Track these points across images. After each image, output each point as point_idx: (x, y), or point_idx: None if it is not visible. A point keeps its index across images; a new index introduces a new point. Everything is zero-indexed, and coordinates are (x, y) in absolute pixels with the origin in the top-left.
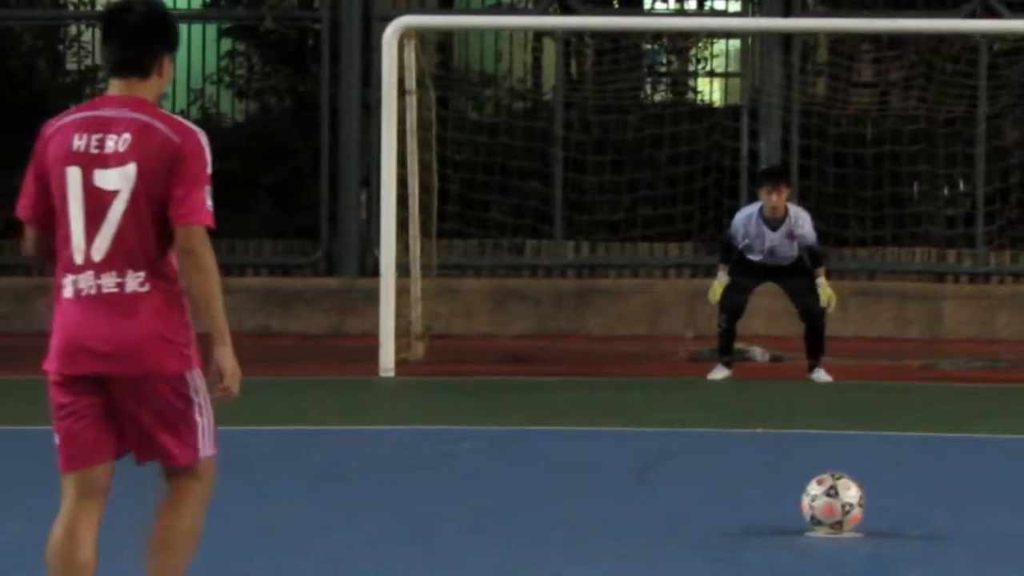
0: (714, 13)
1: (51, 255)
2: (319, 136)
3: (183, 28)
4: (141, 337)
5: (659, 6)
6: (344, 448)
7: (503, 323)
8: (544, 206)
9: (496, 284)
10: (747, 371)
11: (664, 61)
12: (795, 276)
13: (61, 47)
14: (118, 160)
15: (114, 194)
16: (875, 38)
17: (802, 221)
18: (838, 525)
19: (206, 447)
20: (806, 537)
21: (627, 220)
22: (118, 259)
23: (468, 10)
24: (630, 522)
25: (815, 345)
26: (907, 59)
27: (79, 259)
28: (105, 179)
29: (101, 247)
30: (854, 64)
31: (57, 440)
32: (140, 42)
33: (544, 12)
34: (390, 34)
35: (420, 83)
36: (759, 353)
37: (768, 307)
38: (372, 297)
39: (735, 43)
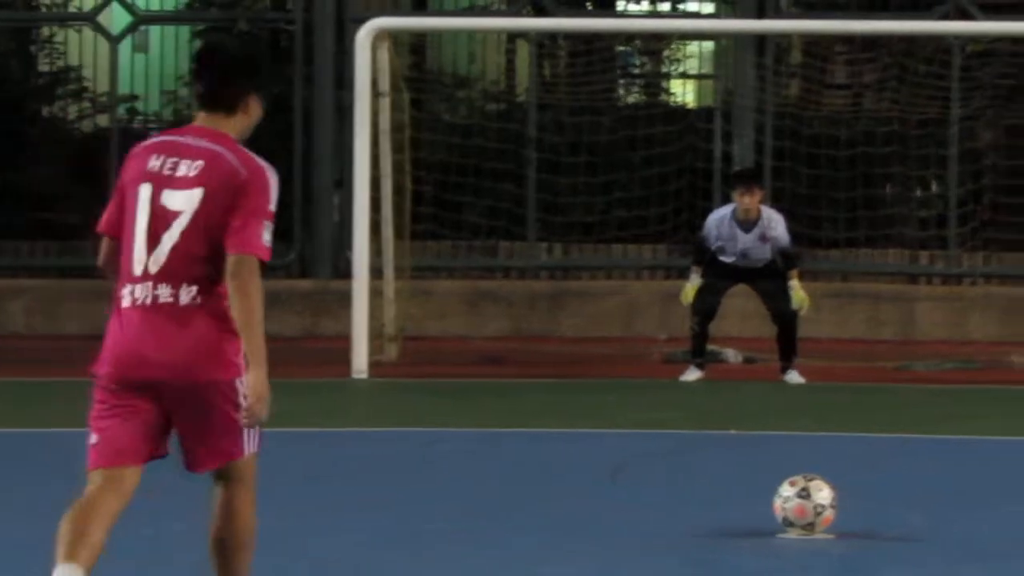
0: (687, 15)
1: (118, 268)
2: (292, 138)
3: (155, 30)
4: (192, 346)
5: (632, 8)
6: (318, 450)
7: (477, 325)
8: (518, 208)
9: (470, 286)
10: (720, 373)
11: (637, 63)
12: (767, 278)
13: (33, 48)
14: (187, 184)
15: (177, 214)
16: (849, 40)
17: (775, 223)
18: (810, 527)
19: (251, 445)
20: (778, 539)
21: (601, 222)
22: (174, 273)
23: (441, 12)
24: (603, 523)
25: (787, 347)
26: (880, 61)
27: (138, 271)
28: (172, 199)
29: (159, 260)
30: (827, 66)
31: (93, 438)
32: (228, 81)
33: (517, 14)
34: (363, 36)
35: (393, 85)
36: (732, 355)
37: (741, 308)
38: (345, 299)
39: (708, 45)
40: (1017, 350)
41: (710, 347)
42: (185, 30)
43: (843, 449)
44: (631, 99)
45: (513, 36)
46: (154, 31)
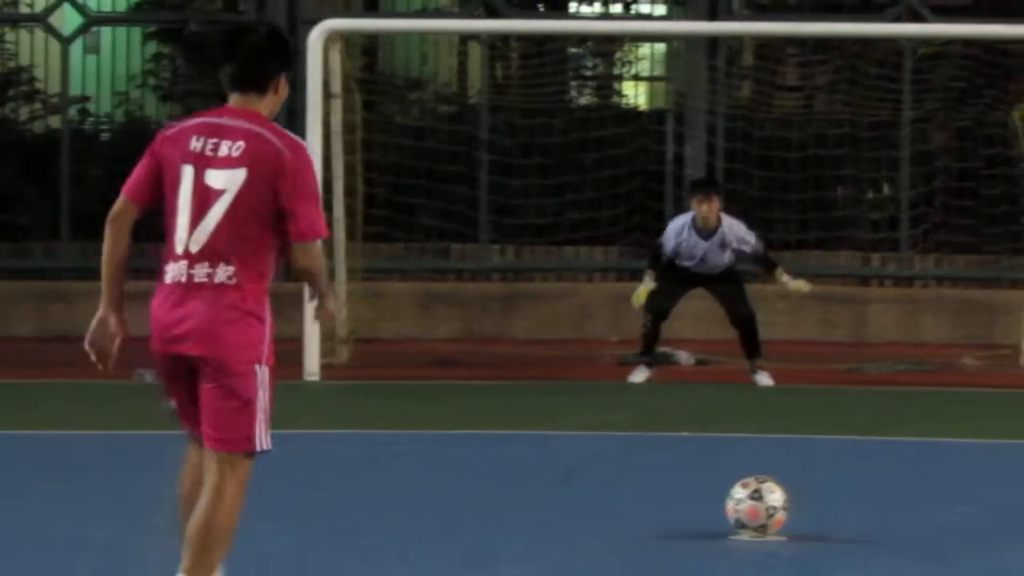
0: (639, 17)
1: (122, 232)
2: None
3: (107, 31)
4: (221, 324)
5: (584, 10)
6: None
7: (429, 327)
8: (470, 210)
9: (422, 288)
10: (673, 374)
11: (590, 65)
12: (724, 282)
13: None
14: (229, 163)
15: (220, 193)
16: (800, 42)
17: (737, 231)
18: (762, 528)
19: (262, 440)
20: (730, 540)
21: (553, 224)
22: (212, 252)
23: (394, 14)
24: (555, 526)
25: (751, 348)
26: (832, 63)
27: (179, 249)
28: (215, 178)
29: (199, 239)
30: (779, 68)
31: (174, 403)
32: (259, 62)
33: (469, 16)
34: (315, 37)
35: (345, 87)
36: (685, 357)
37: (694, 311)
38: (297, 301)
39: (661, 47)
40: (969, 352)
41: (663, 349)
42: (136, 31)
43: (795, 451)
44: (583, 101)
45: (465, 38)
46: (105, 32)
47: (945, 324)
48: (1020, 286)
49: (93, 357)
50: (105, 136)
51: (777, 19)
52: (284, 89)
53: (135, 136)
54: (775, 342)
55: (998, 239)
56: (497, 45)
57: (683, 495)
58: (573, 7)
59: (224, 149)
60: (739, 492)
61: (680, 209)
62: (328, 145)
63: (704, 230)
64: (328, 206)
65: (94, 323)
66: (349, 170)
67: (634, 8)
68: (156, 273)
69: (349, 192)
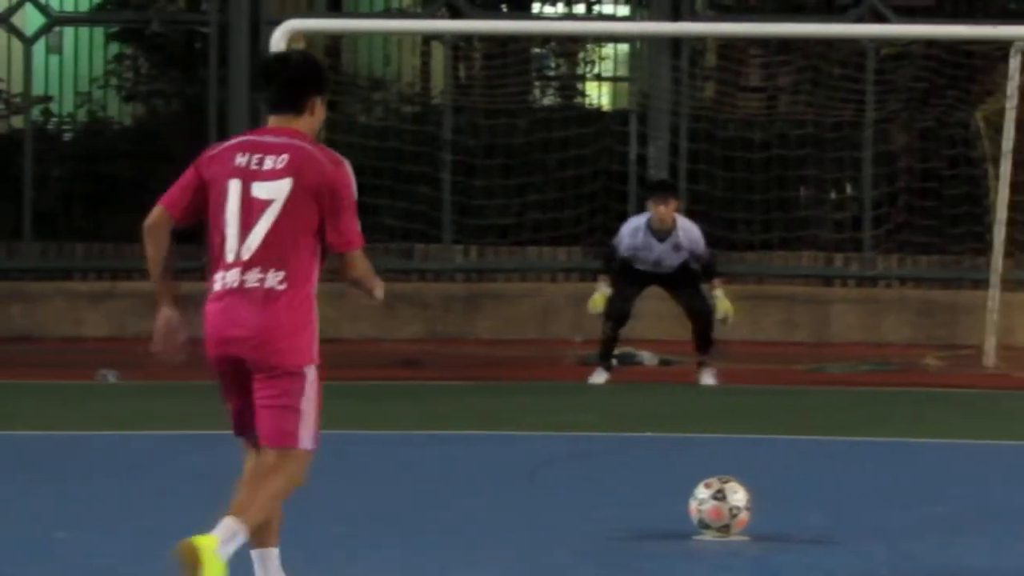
0: (603, 17)
1: (161, 240)
2: (207, 139)
3: (69, 31)
4: (271, 327)
5: (548, 10)
6: (228, 452)
7: (392, 327)
8: (433, 210)
9: (385, 288)
10: (636, 375)
11: (553, 65)
12: (679, 279)
13: None
14: (275, 175)
15: (267, 203)
16: (764, 43)
17: (690, 233)
18: (725, 529)
19: (305, 440)
20: (694, 541)
21: (516, 224)
22: (262, 259)
23: (357, 14)
24: (518, 526)
25: (703, 343)
26: (795, 63)
27: (230, 258)
28: (261, 190)
29: (250, 248)
30: (743, 68)
31: (228, 407)
32: (294, 85)
33: (433, 16)
34: (278, 37)
35: None
36: (648, 357)
37: (657, 311)
38: None
39: (624, 47)
40: (931, 352)
41: (626, 349)
42: (99, 31)
43: (758, 451)
44: (546, 101)
45: (428, 38)
46: (68, 32)
47: (908, 324)
48: (982, 286)
49: (163, 357)
50: (68, 136)
51: (740, 20)
52: (320, 111)
53: (97, 136)
54: (736, 342)
55: (960, 239)
56: (460, 45)
57: (646, 495)
58: (536, 7)
59: (269, 163)
60: (702, 492)
61: (644, 210)
62: None
63: (660, 232)
64: None
65: (158, 323)
66: None
67: (597, 8)
68: (116, 275)
69: None
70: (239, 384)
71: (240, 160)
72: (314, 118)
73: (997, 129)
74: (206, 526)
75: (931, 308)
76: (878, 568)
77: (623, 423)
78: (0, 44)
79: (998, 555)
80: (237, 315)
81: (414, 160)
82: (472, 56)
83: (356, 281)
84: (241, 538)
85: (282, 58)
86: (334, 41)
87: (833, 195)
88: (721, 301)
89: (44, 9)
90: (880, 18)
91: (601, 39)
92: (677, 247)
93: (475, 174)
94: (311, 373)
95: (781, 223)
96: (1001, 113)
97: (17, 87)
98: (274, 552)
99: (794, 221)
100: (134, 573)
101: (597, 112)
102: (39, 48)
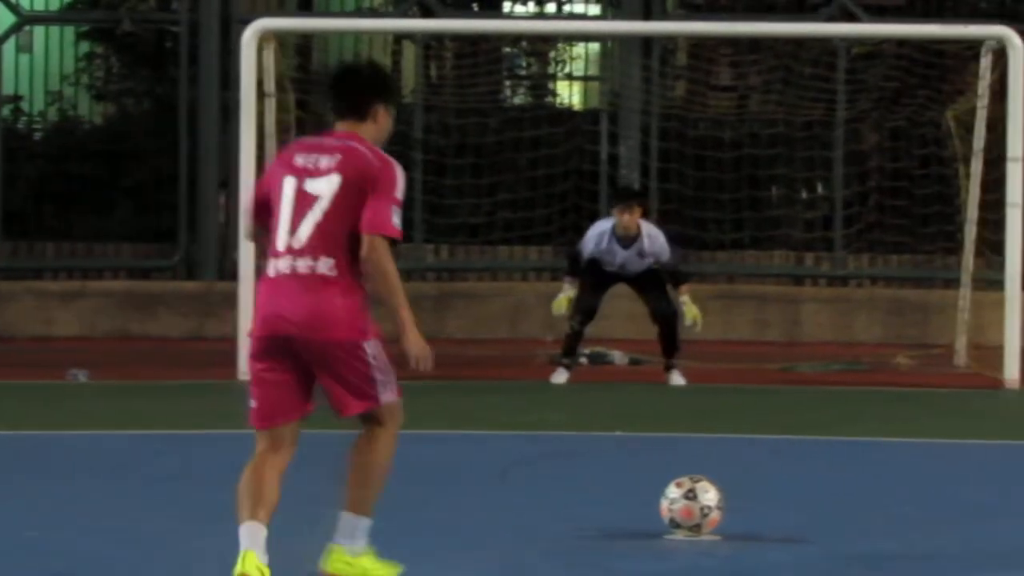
0: (573, 16)
1: (260, 239)
2: (177, 139)
3: (40, 31)
4: (324, 310)
5: (519, 9)
6: (201, 452)
7: None
8: (403, 209)
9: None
10: (607, 374)
11: (524, 64)
12: (646, 280)
13: None
14: (326, 171)
15: (317, 197)
16: (734, 42)
17: (656, 240)
18: (697, 528)
19: (387, 395)
20: (665, 540)
21: (487, 223)
22: (314, 247)
23: (327, 13)
24: (487, 525)
25: (669, 345)
26: (766, 63)
27: (281, 247)
28: (313, 185)
29: (302, 237)
30: (713, 68)
31: (253, 403)
32: (358, 93)
33: (404, 15)
34: (249, 37)
35: (279, 86)
36: (618, 356)
37: (627, 310)
38: (231, 301)
39: (595, 46)
40: (902, 351)
41: (598, 348)
42: (70, 31)
43: (729, 451)
44: (517, 101)
45: (399, 37)
46: (38, 31)
47: (879, 323)
48: (953, 286)
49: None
50: (38, 135)
51: (711, 19)
52: (384, 119)
53: (68, 135)
54: (708, 342)
55: (932, 239)
56: (431, 45)
57: (617, 495)
58: (507, 7)
59: (323, 162)
60: (673, 492)
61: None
62: (262, 144)
63: (624, 239)
64: None
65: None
66: None
67: (568, 8)
68: (86, 274)
69: None
70: (283, 365)
71: (299, 160)
72: (378, 125)
73: (968, 128)
74: (182, 526)
75: (902, 307)
76: (849, 567)
77: (594, 422)
78: None
79: (969, 554)
80: (289, 298)
81: None
82: (443, 55)
83: (373, 273)
84: (365, 523)
85: (351, 68)
86: (305, 40)
87: (804, 194)
88: (689, 307)
89: (14, 8)
90: (851, 17)
91: (572, 38)
92: (641, 254)
93: (446, 173)
94: (371, 345)
95: (752, 222)
96: (972, 112)
97: None
98: (261, 529)
99: (765, 220)
100: (102, 573)
101: (568, 111)
102: (9, 47)
